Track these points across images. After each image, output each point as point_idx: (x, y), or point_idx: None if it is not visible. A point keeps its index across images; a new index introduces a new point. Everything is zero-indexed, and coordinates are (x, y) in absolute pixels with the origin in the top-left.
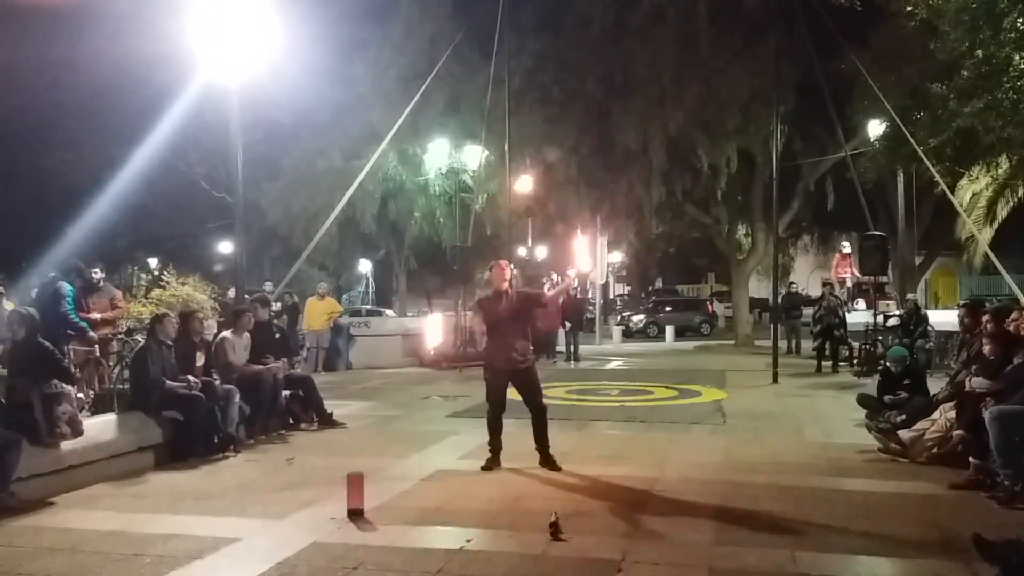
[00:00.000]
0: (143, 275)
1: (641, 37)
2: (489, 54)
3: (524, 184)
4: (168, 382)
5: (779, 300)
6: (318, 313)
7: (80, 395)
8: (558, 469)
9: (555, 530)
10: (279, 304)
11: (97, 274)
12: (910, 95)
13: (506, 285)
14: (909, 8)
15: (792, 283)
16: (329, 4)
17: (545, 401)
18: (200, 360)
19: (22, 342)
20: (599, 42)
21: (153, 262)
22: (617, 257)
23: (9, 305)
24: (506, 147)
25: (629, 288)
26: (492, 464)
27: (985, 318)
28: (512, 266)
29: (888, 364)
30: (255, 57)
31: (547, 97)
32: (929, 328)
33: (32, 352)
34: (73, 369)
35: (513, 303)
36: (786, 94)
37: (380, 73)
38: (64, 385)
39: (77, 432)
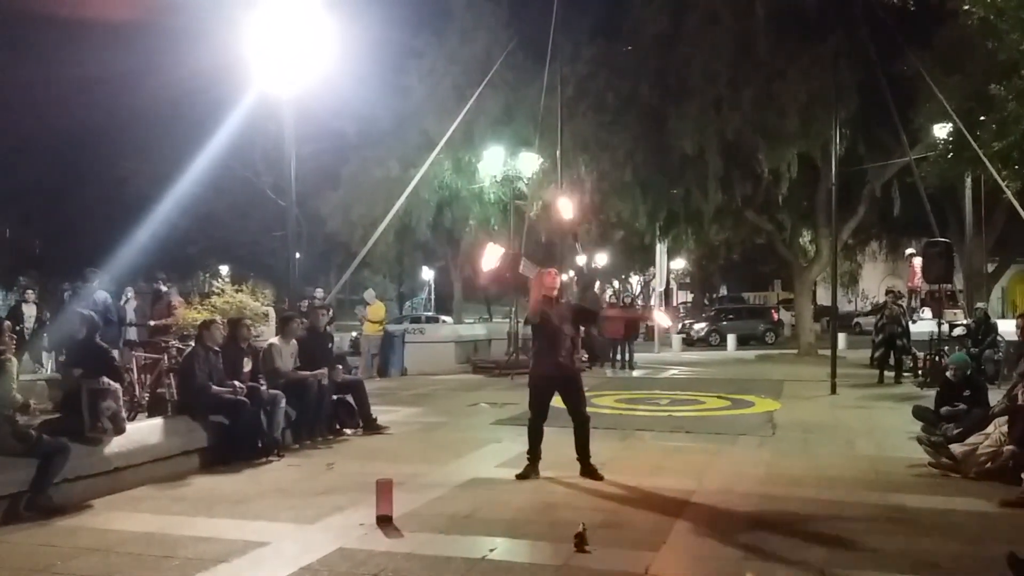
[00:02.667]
0: (214, 281)
1: (696, 40)
2: (543, 62)
3: (566, 206)
4: (214, 387)
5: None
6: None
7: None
8: (600, 479)
9: (580, 541)
10: (331, 312)
11: (162, 287)
12: (974, 97)
13: (555, 292)
14: (967, 7)
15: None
16: (384, 14)
17: (591, 409)
18: (248, 366)
19: (83, 340)
20: (653, 47)
21: (224, 269)
22: (679, 264)
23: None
24: (558, 154)
25: (692, 295)
26: (529, 472)
27: None
28: (561, 274)
29: (948, 372)
30: (310, 68)
31: (601, 103)
32: (999, 338)
33: (89, 350)
34: (126, 372)
35: (563, 312)
36: (847, 97)
37: (435, 82)
38: (112, 383)
39: (119, 429)
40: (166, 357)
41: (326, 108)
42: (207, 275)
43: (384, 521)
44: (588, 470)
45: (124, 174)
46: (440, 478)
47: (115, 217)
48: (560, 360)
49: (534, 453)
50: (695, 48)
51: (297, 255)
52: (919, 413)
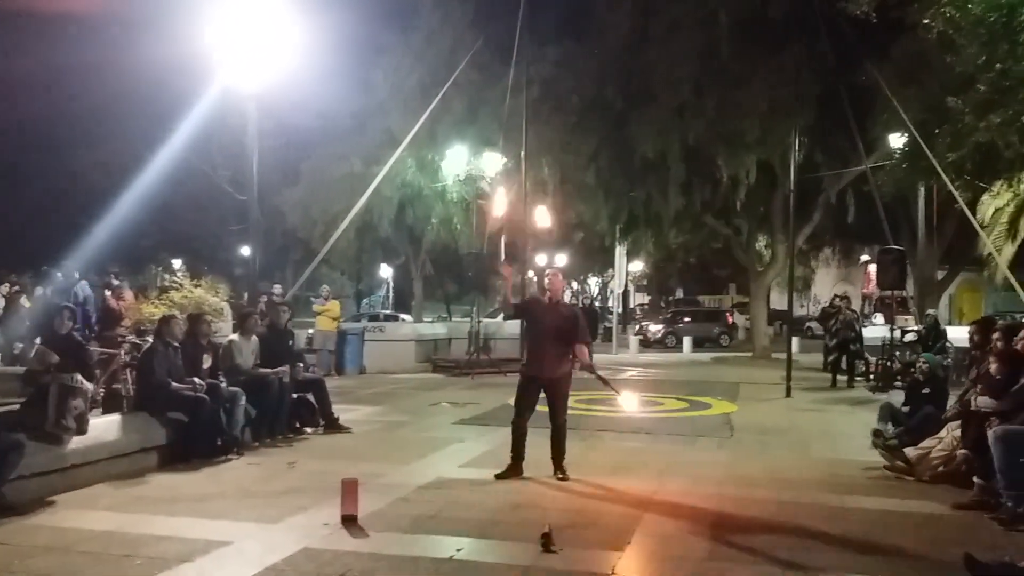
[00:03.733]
0: (167, 276)
1: (660, 46)
2: (508, 62)
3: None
4: (173, 383)
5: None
6: (325, 315)
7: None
8: (566, 479)
9: (547, 541)
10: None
11: (114, 281)
12: (930, 109)
13: (558, 295)
14: (926, 21)
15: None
16: (350, 11)
17: None
18: (207, 362)
19: (64, 334)
20: (618, 51)
21: (177, 263)
22: (637, 267)
23: (27, 303)
24: (522, 154)
25: (649, 298)
26: (510, 473)
27: (995, 336)
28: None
29: (916, 368)
30: (273, 63)
31: (565, 105)
32: (948, 344)
33: (67, 344)
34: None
35: (560, 320)
36: (806, 106)
37: (400, 80)
38: (84, 382)
39: (82, 430)
40: (122, 352)
41: (288, 103)
42: (159, 269)
43: (349, 521)
44: (558, 470)
45: (77, 167)
46: (404, 478)
47: (67, 211)
48: (547, 362)
49: (517, 452)
50: (659, 54)
51: (249, 251)
52: (885, 413)
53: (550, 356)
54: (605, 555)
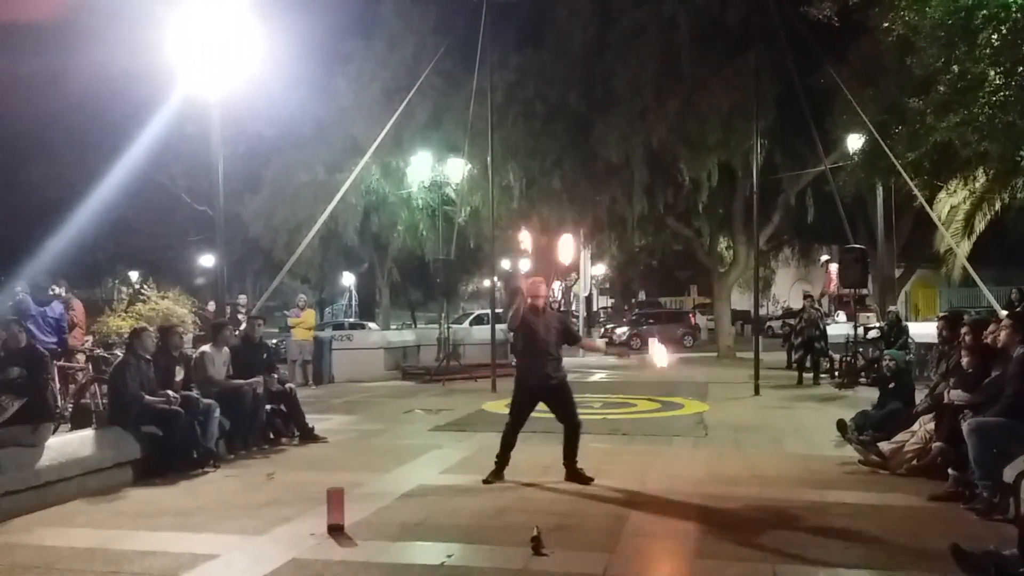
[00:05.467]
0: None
1: (622, 52)
2: (472, 68)
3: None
4: (147, 397)
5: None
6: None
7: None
8: (588, 481)
9: (537, 545)
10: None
11: (62, 293)
12: (888, 110)
13: (542, 302)
14: (886, 24)
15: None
16: (312, 18)
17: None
18: (180, 375)
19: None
20: (580, 56)
21: (134, 275)
22: (600, 270)
23: None
24: (489, 160)
25: (612, 300)
26: (495, 478)
27: (964, 330)
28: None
29: (883, 364)
30: (235, 70)
31: (530, 111)
32: (909, 340)
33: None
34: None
35: (549, 323)
36: (767, 108)
37: (363, 87)
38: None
39: None
40: (91, 366)
41: (249, 110)
42: (115, 281)
43: (336, 530)
44: (574, 473)
45: (31, 177)
46: (385, 486)
47: (20, 223)
48: (546, 371)
49: (503, 459)
50: (621, 59)
51: (215, 261)
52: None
53: (550, 364)
54: (596, 556)
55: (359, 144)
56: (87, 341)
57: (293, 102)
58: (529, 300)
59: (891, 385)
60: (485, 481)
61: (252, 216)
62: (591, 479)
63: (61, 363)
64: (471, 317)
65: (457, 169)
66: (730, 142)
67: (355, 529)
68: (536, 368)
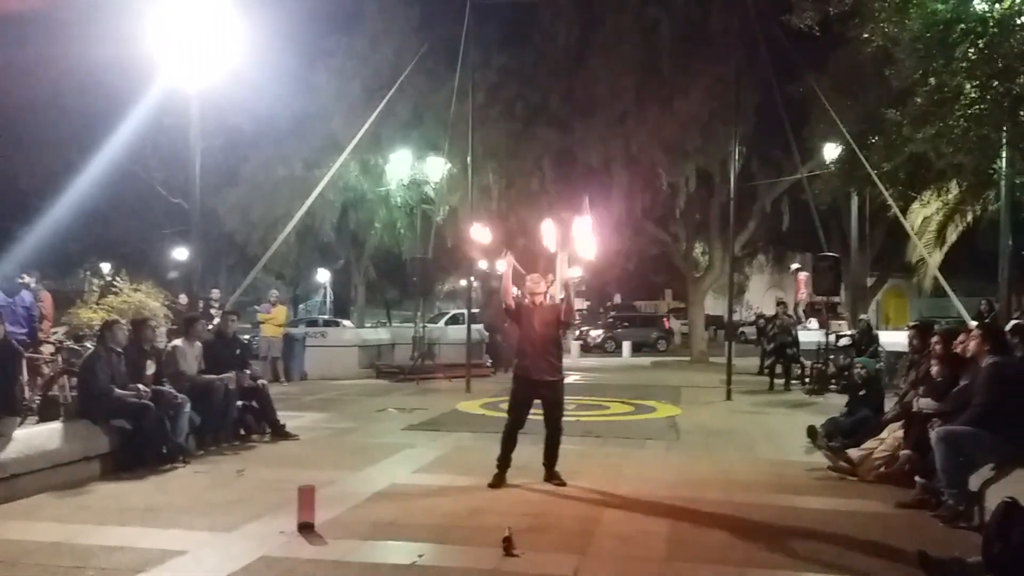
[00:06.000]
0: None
1: (604, 56)
2: (454, 67)
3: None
4: (117, 390)
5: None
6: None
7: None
8: (563, 484)
9: (508, 545)
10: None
11: (30, 283)
12: (865, 120)
13: (540, 297)
14: (866, 35)
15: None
16: (294, 12)
17: (501, 415)
18: (151, 368)
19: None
20: (563, 59)
21: (106, 267)
22: (577, 272)
23: None
24: (469, 160)
25: (588, 303)
26: (499, 481)
27: (934, 340)
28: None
29: (855, 371)
30: (216, 63)
31: (511, 112)
32: (879, 348)
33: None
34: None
35: (549, 319)
36: (745, 116)
37: (344, 83)
38: None
39: None
40: (60, 358)
41: (230, 103)
42: (88, 273)
43: (306, 528)
44: (552, 476)
45: (4, 167)
46: (357, 485)
47: None
48: (547, 365)
49: (504, 460)
50: (603, 63)
51: (189, 254)
52: (812, 433)
53: (542, 357)
54: (567, 558)
55: (339, 140)
56: (56, 333)
57: (273, 96)
58: (528, 297)
59: (861, 393)
60: (490, 485)
61: (228, 210)
62: (565, 483)
63: (29, 354)
64: (447, 317)
65: (437, 168)
66: (708, 148)
67: (326, 527)
68: (531, 358)
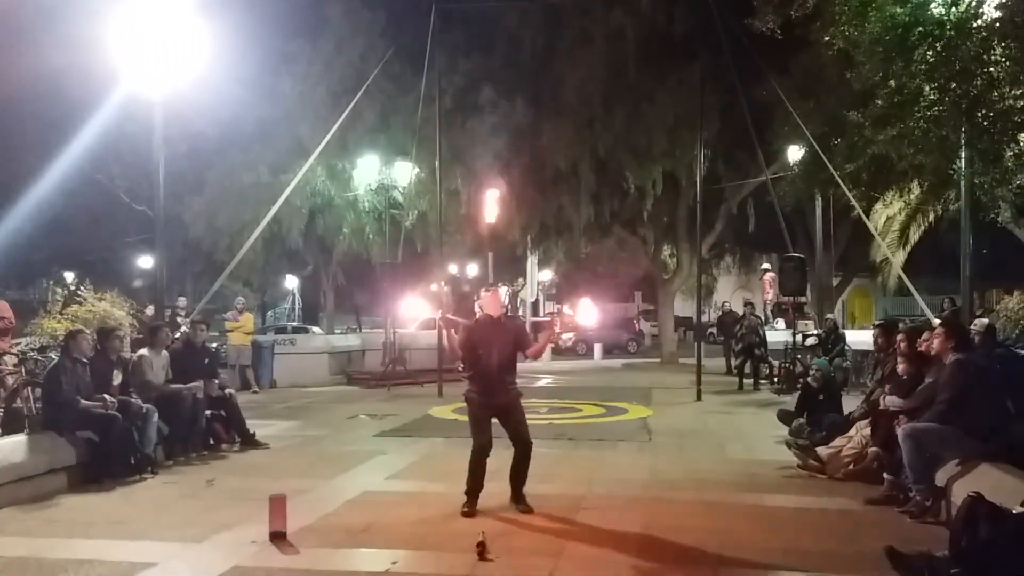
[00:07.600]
0: (58, 289)
1: (570, 60)
2: (420, 71)
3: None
4: (83, 401)
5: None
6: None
7: None
8: (530, 511)
9: (482, 550)
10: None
11: None
12: (828, 122)
13: (499, 313)
14: (827, 38)
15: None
16: (258, 17)
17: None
18: (118, 379)
19: None
20: (529, 64)
21: (70, 276)
22: (547, 275)
23: None
24: (437, 164)
25: (558, 306)
26: (472, 509)
27: (899, 338)
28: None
29: (810, 376)
30: (179, 68)
31: (478, 116)
32: (846, 347)
33: None
34: None
35: (508, 338)
36: (710, 119)
37: (309, 88)
38: None
39: None
40: (23, 369)
41: (193, 110)
42: (50, 282)
43: (278, 537)
44: (519, 498)
45: None
46: (329, 493)
47: None
48: (498, 388)
49: (474, 486)
50: (570, 67)
51: (154, 262)
52: (783, 416)
53: (501, 380)
54: (541, 561)
55: (305, 146)
56: (18, 344)
57: (238, 102)
58: (488, 312)
59: (820, 397)
60: (464, 514)
61: (194, 217)
62: (531, 509)
63: None
64: (418, 322)
65: (405, 172)
66: (675, 152)
67: (298, 536)
68: (489, 384)
